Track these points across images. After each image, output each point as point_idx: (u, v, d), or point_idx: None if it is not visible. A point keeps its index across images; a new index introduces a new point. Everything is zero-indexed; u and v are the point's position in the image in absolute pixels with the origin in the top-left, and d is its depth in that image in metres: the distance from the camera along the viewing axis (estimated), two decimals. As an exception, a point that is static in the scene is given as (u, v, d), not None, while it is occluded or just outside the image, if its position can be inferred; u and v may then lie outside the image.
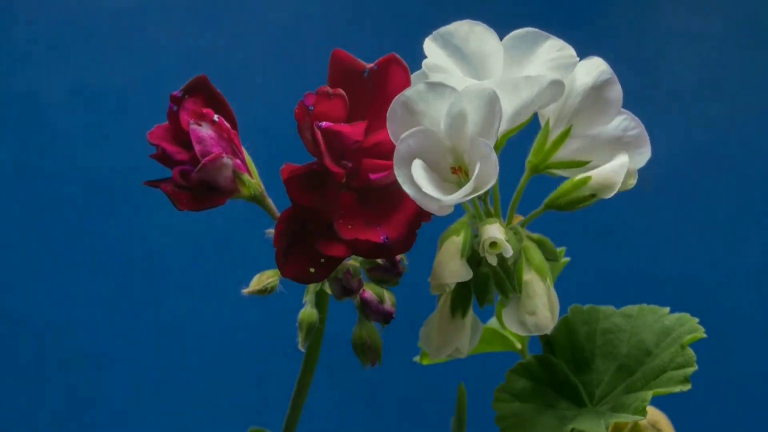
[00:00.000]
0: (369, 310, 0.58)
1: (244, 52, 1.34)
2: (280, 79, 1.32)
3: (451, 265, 0.54)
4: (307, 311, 0.59)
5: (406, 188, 0.50)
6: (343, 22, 1.36)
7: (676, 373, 0.56)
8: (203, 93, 0.57)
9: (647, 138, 0.56)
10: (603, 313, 0.62)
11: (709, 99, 1.35)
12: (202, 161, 0.54)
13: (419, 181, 0.49)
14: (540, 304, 0.54)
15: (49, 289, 1.30)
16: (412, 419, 1.30)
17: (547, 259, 0.56)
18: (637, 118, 0.56)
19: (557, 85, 0.52)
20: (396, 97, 0.51)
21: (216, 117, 0.56)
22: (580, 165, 0.56)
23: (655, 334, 0.59)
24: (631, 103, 0.56)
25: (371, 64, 0.55)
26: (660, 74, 1.35)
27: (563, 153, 0.56)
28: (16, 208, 1.31)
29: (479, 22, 0.54)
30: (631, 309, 0.62)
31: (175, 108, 0.56)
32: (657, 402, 0.58)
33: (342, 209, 0.52)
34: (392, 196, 0.52)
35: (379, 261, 0.58)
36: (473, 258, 0.56)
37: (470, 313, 0.59)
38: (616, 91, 0.56)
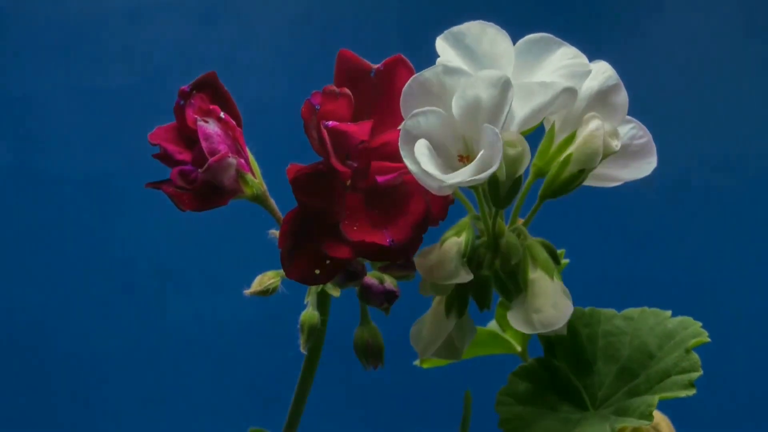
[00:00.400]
0: (371, 294, 0.58)
1: (246, 51, 1.34)
2: (282, 79, 1.32)
3: (450, 266, 0.54)
4: (309, 313, 0.59)
5: (408, 163, 0.49)
6: (347, 22, 1.36)
7: (681, 378, 0.55)
8: (210, 90, 0.57)
9: (654, 147, 0.56)
10: (604, 315, 0.62)
11: (709, 100, 1.35)
12: (209, 161, 0.54)
13: (420, 158, 0.49)
14: (546, 302, 0.53)
15: (50, 289, 1.30)
16: (412, 420, 1.30)
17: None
18: (644, 127, 0.56)
19: (570, 93, 0.52)
20: (414, 76, 0.51)
21: (222, 114, 0.56)
22: (568, 161, 0.56)
23: (658, 338, 0.59)
24: (631, 104, 0.56)
25: (377, 65, 0.55)
26: (660, 74, 1.35)
27: (568, 157, 0.56)
28: (16, 209, 1.31)
29: (491, 23, 0.54)
30: (632, 312, 0.62)
31: (182, 102, 0.56)
32: (658, 405, 0.57)
33: (348, 210, 0.52)
34: (399, 198, 0.52)
35: None
36: (473, 260, 0.55)
37: (466, 314, 0.58)
38: (622, 97, 0.55)
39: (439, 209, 0.55)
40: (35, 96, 1.31)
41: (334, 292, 0.60)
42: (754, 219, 1.33)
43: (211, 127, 0.55)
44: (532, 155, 0.56)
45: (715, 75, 1.36)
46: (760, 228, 1.32)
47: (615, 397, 0.58)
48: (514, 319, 0.54)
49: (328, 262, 0.52)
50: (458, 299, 0.58)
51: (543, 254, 0.55)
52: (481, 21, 0.54)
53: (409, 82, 0.51)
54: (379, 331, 0.61)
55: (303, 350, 0.59)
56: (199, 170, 0.54)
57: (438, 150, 0.51)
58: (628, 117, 0.56)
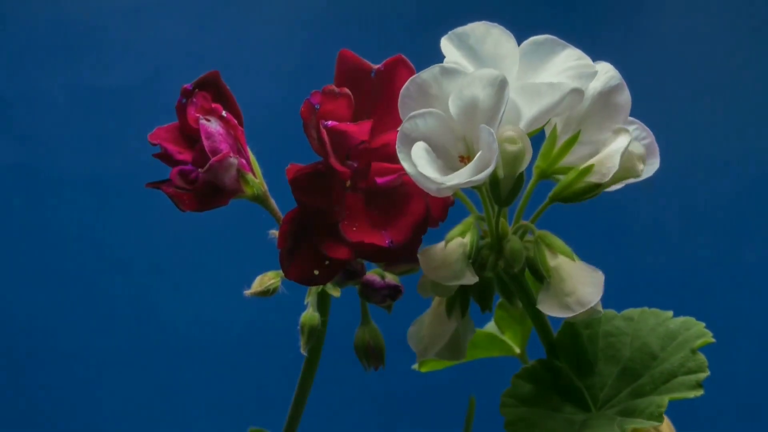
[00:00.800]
0: (373, 291, 0.58)
1: (246, 51, 1.33)
2: (283, 79, 1.32)
3: (456, 267, 0.53)
4: (309, 315, 0.59)
5: (405, 165, 0.49)
6: (348, 21, 1.36)
7: (688, 378, 0.55)
8: (213, 89, 0.57)
9: (657, 149, 0.56)
10: (604, 316, 0.62)
11: (709, 100, 1.35)
12: (210, 161, 0.54)
13: (417, 160, 0.49)
14: (576, 283, 0.53)
15: (50, 289, 1.30)
16: (412, 421, 1.29)
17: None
18: (647, 128, 0.56)
19: (577, 94, 0.52)
20: (411, 78, 0.51)
21: (224, 113, 0.56)
22: (588, 171, 0.56)
23: (660, 338, 0.59)
24: (632, 104, 0.56)
25: (378, 65, 0.55)
26: (660, 75, 1.35)
27: (571, 158, 0.56)
28: (16, 209, 1.30)
29: (496, 24, 0.53)
30: (633, 312, 0.61)
31: (184, 101, 0.56)
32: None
33: (348, 211, 0.52)
34: (399, 199, 0.52)
35: None
36: (476, 261, 0.55)
37: (467, 315, 0.58)
38: (625, 97, 0.55)
39: (439, 211, 0.55)
40: (35, 96, 1.31)
41: (335, 292, 0.60)
42: (754, 219, 1.32)
43: (213, 126, 0.55)
44: (535, 156, 0.56)
45: (715, 75, 1.36)
46: (760, 228, 1.32)
47: (618, 397, 0.58)
48: (548, 307, 0.53)
49: (327, 262, 0.52)
50: (460, 300, 0.57)
51: (558, 240, 0.55)
52: (485, 22, 0.53)
53: (406, 84, 0.51)
54: (379, 332, 0.61)
55: (303, 352, 0.59)
56: (200, 170, 0.54)
57: (438, 152, 0.51)
58: (631, 118, 0.56)
